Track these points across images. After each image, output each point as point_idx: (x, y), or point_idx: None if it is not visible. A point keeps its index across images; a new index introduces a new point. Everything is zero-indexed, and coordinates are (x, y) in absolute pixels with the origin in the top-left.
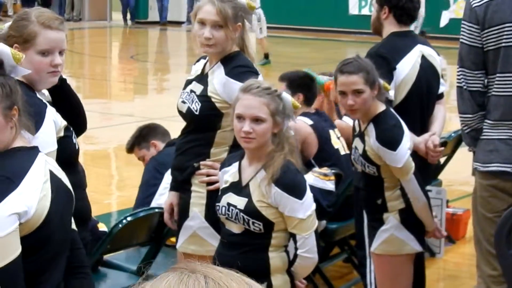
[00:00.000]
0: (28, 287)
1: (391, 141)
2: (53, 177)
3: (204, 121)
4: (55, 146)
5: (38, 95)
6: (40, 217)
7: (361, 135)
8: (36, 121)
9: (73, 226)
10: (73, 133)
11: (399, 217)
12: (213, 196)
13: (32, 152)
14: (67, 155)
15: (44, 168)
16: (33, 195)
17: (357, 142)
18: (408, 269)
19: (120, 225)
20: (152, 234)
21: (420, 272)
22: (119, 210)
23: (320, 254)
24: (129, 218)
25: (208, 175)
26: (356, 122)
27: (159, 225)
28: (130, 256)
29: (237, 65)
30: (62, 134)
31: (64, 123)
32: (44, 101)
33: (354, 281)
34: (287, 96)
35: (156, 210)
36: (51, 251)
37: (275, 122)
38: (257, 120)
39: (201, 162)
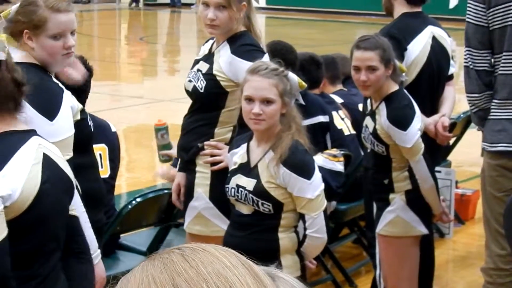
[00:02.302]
0: (24, 267)
1: (401, 120)
2: (48, 160)
3: (209, 99)
4: (73, 131)
5: (53, 79)
6: (28, 198)
7: (372, 114)
8: (53, 107)
9: (75, 212)
10: (88, 115)
11: (405, 199)
12: (218, 177)
13: (23, 135)
14: (83, 137)
15: (35, 151)
16: (18, 177)
17: (367, 121)
18: (414, 251)
19: (129, 206)
20: (161, 215)
21: (429, 253)
22: (128, 191)
23: (329, 235)
24: (138, 199)
25: (212, 155)
26: (368, 100)
27: (168, 206)
28: (141, 238)
29: (242, 44)
30: (78, 117)
31: (80, 106)
32: (60, 85)
33: (363, 262)
34: (293, 76)
35: (165, 191)
36: (48, 234)
37: (284, 103)
38: (266, 101)
39: (205, 142)
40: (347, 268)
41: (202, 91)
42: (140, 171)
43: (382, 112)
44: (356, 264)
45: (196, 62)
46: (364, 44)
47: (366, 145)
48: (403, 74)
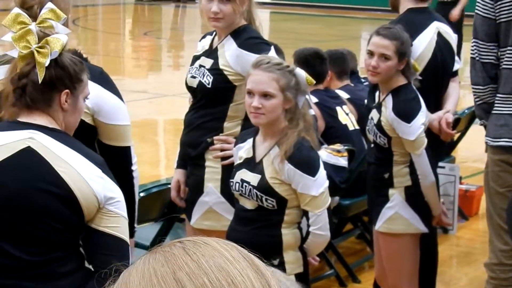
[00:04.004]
0: None
1: (406, 113)
2: (30, 155)
3: (217, 94)
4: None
5: None
6: None
7: (379, 106)
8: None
9: (114, 232)
10: None
11: (404, 195)
12: (228, 171)
13: (16, 125)
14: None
15: (15, 141)
16: None
17: (373, 113)
18: (414, 249)
19: None
20: (165, 210)
21: (432, 248)
22: None
23: (333, 230)
24: (141, 194)
25: (222, 150)
26: (376, 94)
27: (172, 201)
28: (144, 232)
29: (249, 37)
30: None
31: None
32: None
33: (366, 257)
34: (300, 71)
35: (169, 186)
36: None
37: (286, 98)
38: (266, 95)
39: (215, 137)
40: (350, 264)
41: (209, 86)
42: (144, 166)
43: (388, 104)
44: (359, 259)
45: (197, 58)
46: (384, 31)
47: (369, 137)
48: (416, 73)
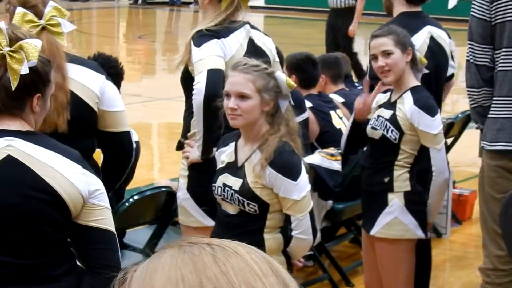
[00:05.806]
0: None
1: (430, 107)
2: (11, 163)
3: (183, 85)
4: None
5: None
6: None
7: (391, 104)
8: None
9: (93, 224)
10: None
11: (404, 200)
12: (194, 169)
13: None
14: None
15: None
16: None
17: (381, 111)
18: (410, 255)
19: (126, 204)
20: (159, 213)
21: (426, 253)
22: (126, 189)
23: (326, 234)
24: (135, 197)
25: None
26: (382, 95)
27: (166, 204)
28: (138, 235)
29: (198, 30)
30: None
31: None
32: None
33: (360, 261)
34: (281, 75)
35: (163, 189)
36: None
37: (263, 100)
38: (242, 96)
39: (186, 141)
40: (343, 267)
41: (180, 76)
42: (138, 169)
43: (407, 100)
44: (352, 263)
45: None
46: (377, 32)
47: (373, 134)
48: (423, 67)
